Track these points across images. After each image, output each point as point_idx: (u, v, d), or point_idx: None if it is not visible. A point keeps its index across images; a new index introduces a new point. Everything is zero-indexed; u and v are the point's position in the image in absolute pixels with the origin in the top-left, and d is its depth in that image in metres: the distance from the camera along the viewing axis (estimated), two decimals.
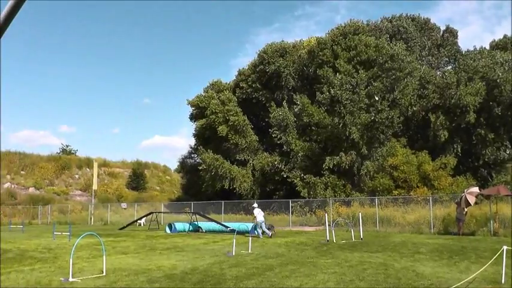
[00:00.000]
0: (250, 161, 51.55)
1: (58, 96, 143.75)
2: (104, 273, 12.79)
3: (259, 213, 27.26)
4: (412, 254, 16.96)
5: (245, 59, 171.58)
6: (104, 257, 13.63)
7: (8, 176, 62.14)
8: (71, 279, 11.85)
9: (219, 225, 31.89)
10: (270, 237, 26.29)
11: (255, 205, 28.30)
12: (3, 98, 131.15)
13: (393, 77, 43.21)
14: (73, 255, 12.71)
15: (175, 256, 17.17)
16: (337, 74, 43.53)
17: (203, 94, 57.61)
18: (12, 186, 61.07)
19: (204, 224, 33.75)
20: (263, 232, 26.86)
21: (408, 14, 59.54)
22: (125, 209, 54.45)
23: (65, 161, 69.02)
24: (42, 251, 20.25)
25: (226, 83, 59.44)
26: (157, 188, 72.38)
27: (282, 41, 54.56)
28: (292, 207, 39.27)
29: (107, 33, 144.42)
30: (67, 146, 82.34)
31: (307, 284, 10.73)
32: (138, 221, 41.50)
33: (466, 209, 26.93)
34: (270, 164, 48.08)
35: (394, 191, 41.70)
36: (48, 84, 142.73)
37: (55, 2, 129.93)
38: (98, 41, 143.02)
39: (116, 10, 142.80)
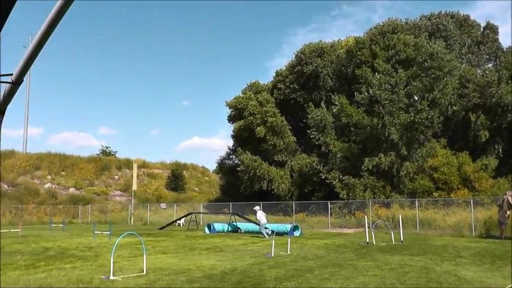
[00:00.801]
0: (289, 162, 51.46)
1: (98, 99, 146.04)
2: (145, 272, 13.01)
3: (262, 216, 28.50)
4: (453, 257, 16.72)
5: (282, 60, 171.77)
6: (145, 256, 13.84)
7: (49, 177, 63.42)
8: (111, 278, 12.11)
9: (257, 226, 31.93)
10: (266, 239, 26.68)
11: (257, 208, 29.43)
12: (45, 100, 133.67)
13: (432, 76, 42.45)
14: (114, 254, 12.95)
15: (215, 256, 17.31)
16: (376, 73, 43.13)
17: (241, 95, 57.72)
18: (53, 186, 62.30)
19: (243, 225, 33.86)
20: (264, 233, 27.88)
21: (447, 11, 58.46)
22: (164, 209, 54.97)
23: (104, 162, 70.12)
24: (83, 250, 20.66)
25: (264, 84, 59.43)
26: (196, 188, 72.83)
27: (320, 41, 54.31)
28: (331, 208, 39.03)
29: (146, 37, 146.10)
30: (107, 148, 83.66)
31: (348, 287, 10.73)
32: (178, 221, 41.84)
33: (508, 212, 26.29)
34: (308, 165, 47.85)
35: (434, 193, 40.97)
36: (88, 88, 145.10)
37: (95, 3, 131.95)
38: (137, 44, 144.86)
39: (154, 14, 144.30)
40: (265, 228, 28.47)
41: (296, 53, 54.10)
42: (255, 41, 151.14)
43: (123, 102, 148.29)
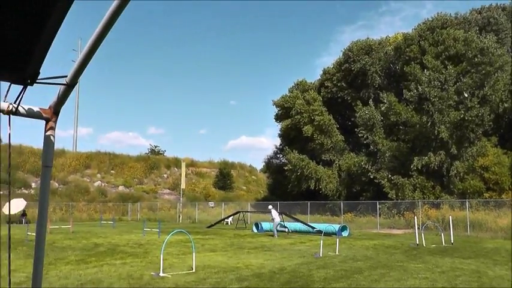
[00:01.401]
0: (336, 162, 51.10)
1: (146, 99, 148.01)
2: (194, 270, 13.10)
3: (276, 215, 29.46)
4: (506, 261, 16.19)
5: (329, 58, 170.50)
6: (194, 254, 13.94)
7: (99, 175, 64.75)
8: (161, 274, 12.25)
9: (305, 225, 31.81)
10: (275, 236, 27.69)
11: (270, 207, 30.69)
12: (94, 101, 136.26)
13: (483, 71, 41.23)
14: (163, 251, 13.09)
15: (263, 255, 17.31)
16: (425, 70, 42.30)
17: (288, 94, 57.65)
18: (103, 184, 63.57)
19: (291, 224, 33.74)
20: (275, 231, 28.58)
21: (498, 4, 56.60)
22: (212, 207, 55.36)
23: (153, 161, 71.14)
24: (133, 246, 20.98)
25: (311, 83, 59.16)
26: (244, 187, 73.12)
27: (367, 38, 53.67)
28: (379, 209, 38.56)
29: (194, 38, 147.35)
30: (155, 147, 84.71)
31: None
32: (226, 220, 42.08)
33: None
34: (357, 165, 47.34)
35: (484, 194, 39.82)
36: (137, 88, 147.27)
37: (145, 3, 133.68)
38: (185, 45, 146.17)
39: (202, 15, 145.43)
40: (284, 227, 29.67)
41: (344, 50, 53.64)
42: (302, 39, 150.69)
43: (171, 102, 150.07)
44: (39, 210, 2.97)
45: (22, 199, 41.88)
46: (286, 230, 31.33)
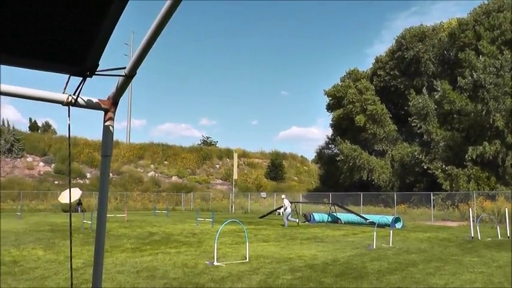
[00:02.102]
0: (389, 152, 50.50)
1: (198, 91, 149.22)
2: (247, 260, 13.16)
3: (288, 205, 30.25)
4: None
5: (381, 46, 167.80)
6: (247, 243, 14.01)
7: (152, 166, 65.94)
8: (215, 263, 12.35)
9: (358, 217, 31.55)
10: (285, 226, 28.41)
11: (284, 196, 32.04)
12: (147, 93, 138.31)
13: None
14: (217, 241, 13.18)
15: (316, 246, 17.25)
16: (480, 56, 41.18)
17: (340, 84, 57.25)
18: (156, 175, 64.66)
19: (343, 216, 33.54)
20: (286, 221, 29.45)
21: None
22: (264, 198, 55.59)
23: (206, 152, 71.89)
24: (186, 236, 21.23)
25: (363, 72, 58.56)
26: (295, 178, 73.07)
27: (421, 24, 52.59)
28: (433, 200, 37.84)
29: (245, 29, 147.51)
30: (208, 138, 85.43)
31: (453, 283, 10.31)
32: (278, 210, 42.09)
33: None
34: (410, 155, 46.62)
35: None
36: (189, 80, 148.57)
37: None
38: (236, 36, 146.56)
39: (250, 5, 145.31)
40: (287, 217, 29.76)
41: (396, 38, 52.83)
42: (353, 28, 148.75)
43: (223, 94, 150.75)
44: (99, 198, 3.02)
45: (78, 189, 43.04)
46: (297, 221, 31.16)
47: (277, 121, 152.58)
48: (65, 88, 2.69)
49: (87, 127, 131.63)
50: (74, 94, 2.70)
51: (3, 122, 63.71)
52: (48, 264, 12.38)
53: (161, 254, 14.58)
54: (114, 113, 2.85)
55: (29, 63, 2.50)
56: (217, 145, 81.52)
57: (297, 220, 31.28)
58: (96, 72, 2.54)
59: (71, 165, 57.54)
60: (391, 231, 19.71)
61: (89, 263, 12.24)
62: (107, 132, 2.88)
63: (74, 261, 12.71)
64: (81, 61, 2.45)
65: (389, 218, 28.46)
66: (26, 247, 16.11)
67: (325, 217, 33.88)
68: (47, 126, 77.47)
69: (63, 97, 2.71)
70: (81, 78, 2.58)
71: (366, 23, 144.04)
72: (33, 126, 74.20)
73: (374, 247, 16.81)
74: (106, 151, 2.93)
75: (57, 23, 2.11)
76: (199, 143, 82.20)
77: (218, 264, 12.34)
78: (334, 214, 34.04)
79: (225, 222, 15.39)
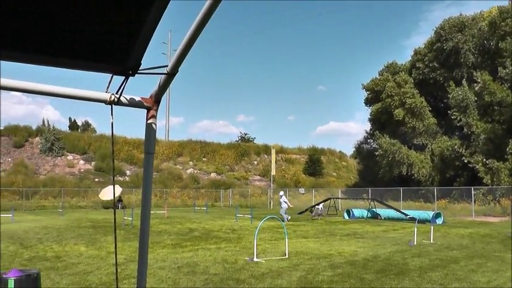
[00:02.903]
0: (429, 146, 49.77)
1: (235, 88, 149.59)
2: (287, 256, 13.18)
3: (284, 201, 30.45)
4: None
5: (419, 38, 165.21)
6: (286, 240, 14.02)
7: (191, 163, 66.41)
8: (255, 259, 12.42)
9: (398, 212, 31.20)
10: (288, 221, 28.82)
11: (281, 193, 32.40)
12: (185, 91, 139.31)
13: None
14: (256, 237, 13.22)
15: (356, 243, 17.14)
16: None
17: (378, 77, 56.70)
18: (195, 171, 65.08)
19: (383, 211, 33.24)
20: (284, 215, 29.50)
21: None
22: (302, 194, 55.47)
23: (243, 148, 72.08)
24: (226, 232, 21.36)
25: (401, 65, 57.79)
26: (334, 174, 72.64)
27: (460, 14, 51.31)
28: (474, 195, 37.03)
29: (281, 24, 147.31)
30: (245, 134, 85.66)
31: (496, 281, 10.13)
32: (316, 206, 41.94)
33: None
34: (450, 149, 45.81)
35: None
36: (226, 77, 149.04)
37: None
38: (272, 32, 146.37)
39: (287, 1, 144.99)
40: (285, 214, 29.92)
41: (435, 29, 51.69)
42: (390, 20, 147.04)
43: (259, 90, 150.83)
44: (143, 195, 3.13)
45: (118, 186, 43.61)
46: (287, 218, 30.72)
47: (314, 116, 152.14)
48: (108, 87, 2.72)
49: (126, 125, 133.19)
50: (117, 93, 2.74)
51: (43, 121, 65.26)
52: (90, 259, 12.62)
53: (201, 250, 14.71)
54: (156, 111, 2.89)
55: (74, 64, 2.54)
56: (254, 141, 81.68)
57: (287, 218, 30.74)
58: (138, 71, 2.57)
59: (111, 163, 58.53)
60: (432, 227, 19.43)
61: (130, 259, 12.43)
62: (150, 130, 2.91)
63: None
64: (123, 61, 2.48)
65: (429, 214, 28.09)
66: (68, 243, 16.44)
67: (365, 213, 33.64)
68: (86, 125, 78.96)
69: (106, 96, 2.75)
70: (124, 77, 2.62)
71: (403, 15, 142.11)
72: (73, 126, 75.70)
73: (415, 243, 16.62)
74: (149, 148, 2.97)
75: (101, 24, 2.14)
76: (237, 139, 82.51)
77: (258, 260, 12.39)
78: (374, 210, 33.76)
79: (264, 219, 15.41)
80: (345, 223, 28.32)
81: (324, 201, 40.10)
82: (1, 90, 2.63)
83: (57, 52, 2.42)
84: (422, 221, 26.22)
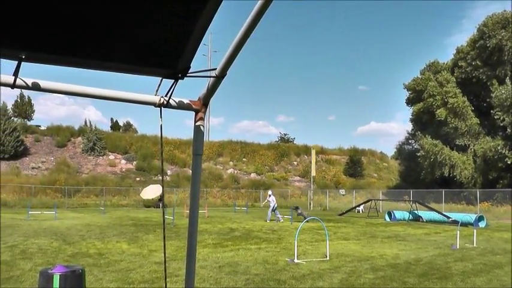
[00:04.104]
0: (471, 146, 48.88)
1: (275, 88, 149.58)
2: (327, 258, 13.11)
3: (273, 200, 30.84)
4: None
5: (461, 36, 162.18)
6: (327, 241, 13.96)
7: (231, 163, 66.84)
8: (296, 261, 12.41)
9: (440, 215, 30.73)
10: (280, 220, 29.08)
11: (270, 192, 32.53)
12: (225, 92, 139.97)
13: None
14: (297, 238, 13.20)
15: (397, 245, 16.95)
16: None
17: (419, 76, 56.01)
18: (235, 171, 65.41)
19: (424, 213, 32.76)
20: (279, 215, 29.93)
21: None
22: (343, 195, 55.19)
23: (283, 149, 72.14)
24: (266, 232, 21.37)
25: (443, 63, 56.82)
26: (375, 175, 72.02)
27: (504, 10, 50.09)
28: None
29: (321, 24, 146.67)
30: (285, 135, 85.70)
31: None
32: (357, 208, 41.71)
33: None
34: (493, 149, 44.87)
35: None
36: (265, 77, 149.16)
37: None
38: (312, 32, 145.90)
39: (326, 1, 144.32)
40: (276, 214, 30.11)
41: (478, 26, 50.57)
42: (432, 18, 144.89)
43: (300, 90, 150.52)
44: (191, 196, 3.15)
45: (159, 185, 44.13)
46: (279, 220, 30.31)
47: (355, 116, 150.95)
48: (157, 90, 2.77)
49: (167, 126, 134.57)
50: (166, 96, 2.78)
51: (85, 122, 66.67)
52: (133, 257, 12.79)
53: (242, 250, 14.77)
54: (204, 113, 2.94)
55: (126, 69, 2.60)
56: (294, 142, 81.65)
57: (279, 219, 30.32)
58: (187, 74, 2.61)
59: (151, 162, 59.45)
60: (475, 231, 19.09)
61: (171, 257, 12.56)
62: (198, 132, 2.96)
63: (156, 255, 13.10)
64: (173, 64, 2.52)
65: (472, 217, 27.63)
66: (110, 240, 16.69)
67: (406, 215, 33.19)
68: (128, 126, 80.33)
69: (156, 99, 2.80)
70: (173, 81, 2.66)
71: (444, 13, 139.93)
72: (115, 126, 77.08)
73: (457, 247, 16.34)
74: (197, 150, 3.01)
75: (153, 29, 2.18)
76: (277, 140, 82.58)
77: (299, 261, 12.37)
78: (416, 212, 33.30)
79: (304, 220, 15.38)
80: (386, 225, 28.05)
81: (365, 202, 39.91)
82: (56, 94, 2.71)
83: (111, 57, 2.48)
84: (465, 224, 25.80)
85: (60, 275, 5.48)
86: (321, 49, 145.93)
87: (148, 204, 46.26)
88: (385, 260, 13.18)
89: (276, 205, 30.72)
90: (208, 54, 76.66)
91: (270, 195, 31.55)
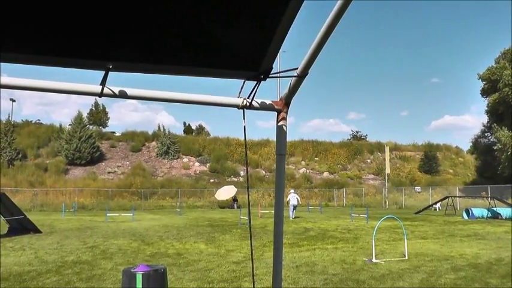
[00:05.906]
0: None
1: (345, 86, 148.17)
2: (406, 257, 12.88)
3: (293, 198, 31.46)
4: None
5: None
6: (405, 240, 13.74)
7: (303, 162, 66.81)
8: (374, 260, 12.26)
9: None
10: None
11: (292, 191, 33.36)
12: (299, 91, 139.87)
13: None
14: (374, 237, 13.05)
15: (477, 244, 16.44)
16: None
17: (494, 65, 54.06)
18: (307, 171, 65.33)
19: (504, 210, 31.61)
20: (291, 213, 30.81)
21: None
22: (419, 192, 54.13)
23: (356, 147, 71.45)
24: (342, 232, 21.22)
25: None
26: (451, 170, 70.17)
27: None
28: None
29: (390, 16, 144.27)
30: (357, 132, 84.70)
31: None
32: (434, 206, 40.81)
33: None
34: None
35: None
36: (335, 75, 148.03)
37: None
38: (381, 27, 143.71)
39: None
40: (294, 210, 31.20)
41: None
42: (505, 3, 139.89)
43: (370, 86, 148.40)
44: (276, 196, 3.16)
45: (233, 186, 44.63)
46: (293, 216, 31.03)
47: (428, 111, 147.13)
48: (240, 92, 2.82)
49: (240, 128, 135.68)
50: (248, 97, 2.82)
51: (159, 126, 68.42)
52: (211, 257, 12.99)
53: (318, 249, 14.72)
54: (286, 113, 2.96)
55: (212, 73, 2.66)
56: (367, 139, 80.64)
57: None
58: (269, 75, 2.64)
59: (225, 164, 60.27)
60: None
61: (248, 257, 12.66)
62: (281, 132, 2.98)
63: (234, 255, 13.27)
64: (256, 66, 2.55)
65: None
66: (188, 241, 17.01)
67: (485, 212, 32.10)
68: (200, 129, 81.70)
69: (239, 101, 2.85)
70: (255, 82, 2.70)
71: None
72: (188, 130, 78.58)
73: None
74: (280, 150, 3.04)
75: (237, 32, 2.23)
76: (349, 137, 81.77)
77: (377, 261, 12.22)
78: (494, 209, 32.17)
79: (382, 218, 15.19)
80: (464, 223, 27.24)
81: (441, 200, 38.97)
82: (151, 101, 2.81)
83: (196, 63, 2.54)
84: None
85: (143, 274, 5.64)
86: (390, 42, 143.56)
87: (222, 205, 46.93)
88: (465, 259, 12.81)
89: (297, 204, 31.71)
90: (278, 54, 76.92)
91: (290, 193, 32.25)
